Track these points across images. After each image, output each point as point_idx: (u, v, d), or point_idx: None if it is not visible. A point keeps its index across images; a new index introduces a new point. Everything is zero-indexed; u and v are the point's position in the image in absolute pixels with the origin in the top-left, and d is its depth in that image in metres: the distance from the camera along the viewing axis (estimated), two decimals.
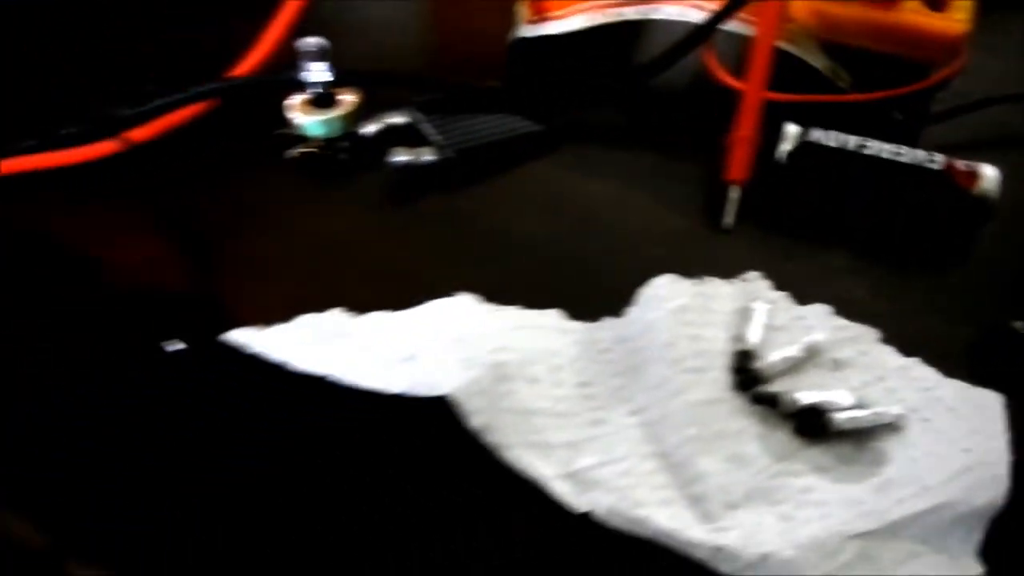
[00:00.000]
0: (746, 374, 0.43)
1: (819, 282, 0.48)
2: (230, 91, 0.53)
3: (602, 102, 0.59)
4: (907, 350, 0.45)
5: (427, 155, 0.52)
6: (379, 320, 0.45)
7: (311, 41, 0.51)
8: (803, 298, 0.47)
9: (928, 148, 0.52)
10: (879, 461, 0.40)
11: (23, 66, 0.60)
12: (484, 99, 0.56)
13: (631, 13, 0.59)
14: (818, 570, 0.35)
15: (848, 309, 0.46)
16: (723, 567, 0.35)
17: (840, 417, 0.41)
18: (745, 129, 0.52)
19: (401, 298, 0.45)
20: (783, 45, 0.57)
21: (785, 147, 0.52)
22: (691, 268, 0.46)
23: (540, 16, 0.61)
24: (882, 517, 0.36)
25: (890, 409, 0.41)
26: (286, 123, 0.52)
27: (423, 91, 0.55)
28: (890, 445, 0.40)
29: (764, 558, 0.35)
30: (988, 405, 0.42)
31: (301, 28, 0.56)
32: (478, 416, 0.39)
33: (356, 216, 0.51)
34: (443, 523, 0.34)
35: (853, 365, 0.44)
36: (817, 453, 0.40)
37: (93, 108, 0.51)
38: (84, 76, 0.58)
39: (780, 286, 0.47)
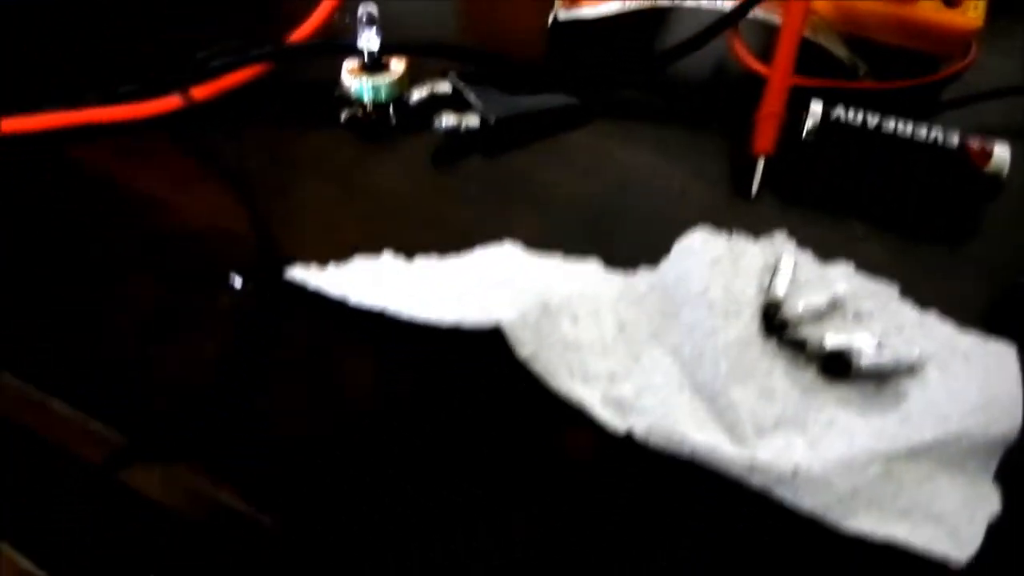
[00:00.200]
0: (775, 320, 0.46)
1: (839, 247, 0.51)
2: (287, 54, 0.56)
3: (632, 83, 0.62)
4: (924, 307, 0.48)
5: (471, 120, 0.55)
6: (429, 264, 0.47)
7: (365, 9, 0.54)
8: (826, 259, 0.50)
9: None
10: (900, 399, 0.42)
11: (89, 24, 0.63)
12: (523, 75, 0.59)
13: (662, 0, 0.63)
14: (845, 483, 0.37)
15: (868, 270, 0.49)
16: (755, 480, 0.38)
17: (863, 359, 0.44)
18: (771, 106, 0.56)
19: (448, 247, 0.48)
20: (807, 35, 0.60)
21: (809, 123, 0.55)
22: (720, 231, 0.49)
23: (575, 1, 0.65)
24: (904, 442, 0.39)
25: (909, 354, 0.44)
26: (340, 86, 0.56)
27: (467, 62, 0.58)
28: (910, 386, 0.43)
29: (795, 471, 0.37)
30: (1002, 353, 0.44)
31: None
32: (526, 347, 0.42)
33: (404, 173, 0.54)
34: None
35: (874, 317, 0.47)
36: (842, 391, 0.43)
37: (157, 66, 0.54)
38: (148, 40, 0.61)
39: (804, 247, 0.50)
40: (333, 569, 0.35)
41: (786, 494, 0.38)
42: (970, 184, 0.54)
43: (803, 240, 0.51)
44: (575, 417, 0.41)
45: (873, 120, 0.55)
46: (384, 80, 0.55)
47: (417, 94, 0.57)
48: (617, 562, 0.36)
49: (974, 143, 0.54)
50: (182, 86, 0.53)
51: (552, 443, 0.40)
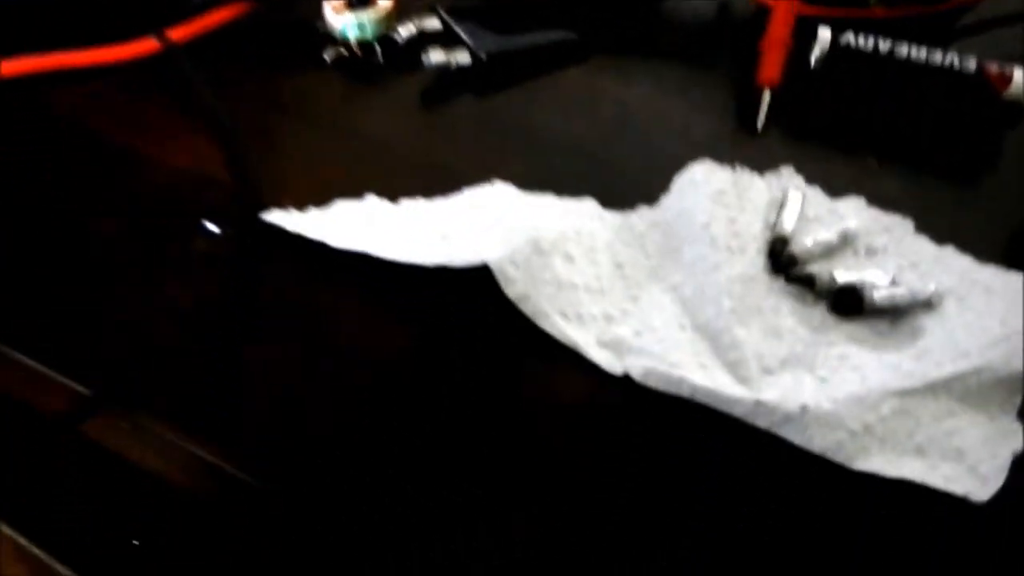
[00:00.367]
0: (782, 256, 0.43)
1: (851, 181, 0.48)
2: None
3: (632, 15, 0.59)
4: (941, 241, 0.45)
5: (461, 57, 0.52)
6: (415, 206, 0.45)
7: None
8: (835, 196, 0.47)
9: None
10: (916, 335, 0.40)
11: None
12: (517, 8, 0.56)
13: None
14: (857, 422, 0.35)
15: (881, 205, 0.47)
16: (761, 421, 0.36)
17: (876, 295, 0.41)
18: (777, 32, 0.53)
19: (437, 189, 0.46)
20: None
21: (817, 51, 0.52)
22: (724, 166, 0.46)
23: None
24: (921, 378, 0.36)
25: (925, 288, 0.41)
26: (323, 24, 0.53)
27: None
28: (926, 321, 0.40)
29: (803, 411, 0.35)
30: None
31: None
32: (516, 285, 0.39)
33: (393, 114, 0.51)
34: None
35: (887, 252, 0.44)
36: (854, 328, 0.40)
37: (133, 7, 0.52)
38: None
39: (812, 183, 0.48)
40: (320, 528, 0.34)
41: (794, 434, 0.35)
42: (988, 111, 0.51)
43: (812, 175, 0.48)
44: (569, 359, 0.39)
45: (885, 46, 0.52)
46: (370, 16, 0.53)
47: (405, 31, 0.54)
48: (619, 515, 0.34)
49: (992, 68, 0.51)
50: (158, 27, 0.51)
51: (545, 387, 0.38)
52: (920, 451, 0.35)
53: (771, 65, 0.52)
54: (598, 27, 0.57)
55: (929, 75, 0.51)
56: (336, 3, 0.53)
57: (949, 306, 0.41)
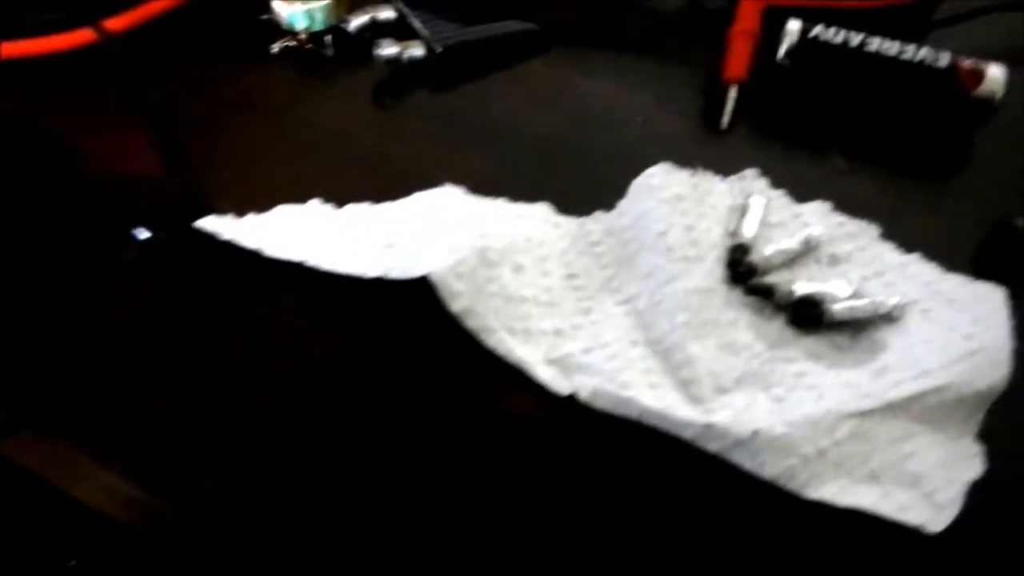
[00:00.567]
0: (741, 266, 0.41)
1: (819, 182, 0.47)
2: None
3: (594, 7, 0.57)
4: (908, 248, 0.43)
5: (416, 49, 0.50)
6: (360, 211, 0.43)
7: None
8: (802, 198, 0.45)
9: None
10: (876, 349, 0.38)
11: None
12: None
13: None
14: (810, 446, 0.33)
15: (848, 208, 0.45)
16: (712, 445, 0.34)
17: (837, 307, 0.40)
18: (745, 24, 0.51)
19: (387, 190, 0.44)
20: None
21: (786, 44, 0.50)
22: (685, 167, 0.44)
23: None
24: (879, 398, 0.35)
25: (888, 299, 0.40)
26: (271, 14, 0.50)
27: None
28: (888, 335, 0.39)
29: (754, 434, 0.33)
30: (990, 297, 0.40)
31: None
32: (460, 299, 0.38)
33: (342, 109, 0.49)
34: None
35: (851, 260, 0.43)
36: (812, 342, 0.39)
37: None
38: None
39: (778, 186, 0.46)
40: (240, 559, 0.32)
41: (745, 459, 0.34)
42: (960, 108, 0.49)
43: (778, 176, 0.46)
44: (515, 377, 0.37)
45: (855, 40, 0.50)
46: (320, 5, 0.50)
47: (357, 21, 0.52)
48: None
49: (965, 64, 0.49)
50: (94, 17, 0.48)
51: (489, 408, 0.37)
52: (874, 477, 0.34)
53: (737, 60, 0.50)
54: (560, 17, 0.55)
55: (900, 70, 0.49)
56: None
57: (912, 319, 0.39)
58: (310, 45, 0.51)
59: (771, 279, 0.41)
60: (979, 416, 0.36)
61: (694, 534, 0.33)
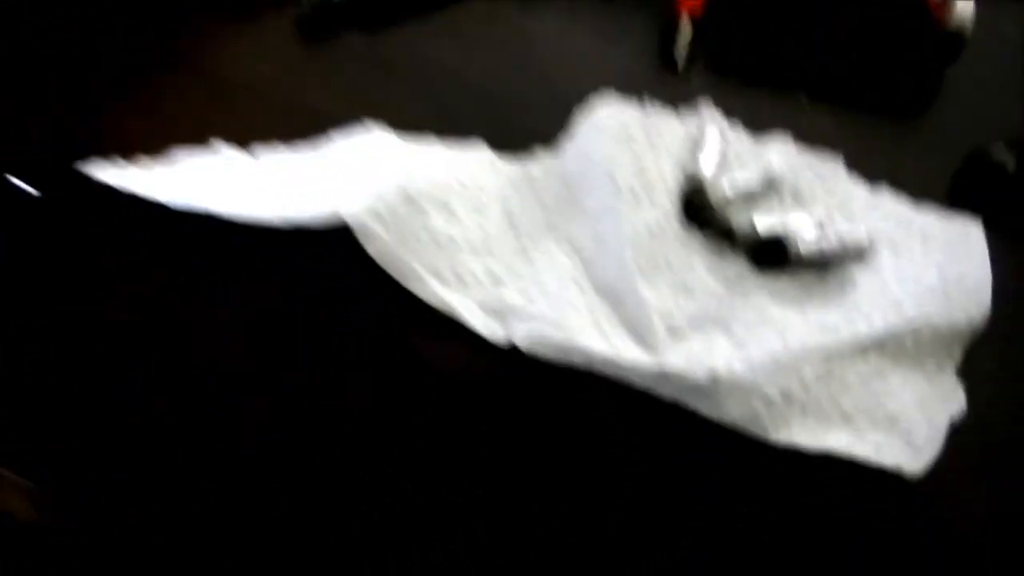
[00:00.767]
0: (696, 204, 0.38)
1: (778, 119, 0.43)
2: None
3: None
4: (875, 183, 0.40)
5: None
6: (275, 156, 0.39)
7: None
8: (761, 135, 0.42)
9: None
10: (845, 288, 0.35)
11: None
12: None
13: None
14: (775, 389, 0.30)
15: (811, 145, 0.42)
16: (666, 391, 0.31)
17: (802, 245, 0.36)
18: None
19: (310, 136, 0.40)
20: None
21: None
22: (637, 104, 0.41)
23: None
24: (849, 336, 0.32)
25: (855, 235, 0.36)
26: None
27: None
28: (857, 273, 0.35)
29: (712, 378, 0.30)
30: (966, 230, 0.37)
31: None
32: (378, 242, 0.33)
33: (263, 52, 0.45)
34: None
35: (815, 196, 0.39)
36: (776, 282, 0.35)
37: None
38: None
39: (735, 122, 0.42)
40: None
41: (703, 405, 0.30)
42: (929, 42, 0.46)
43: (737, 115, 0.42)
44: (446, 327, 0.33)
45: None
46: None
47: None
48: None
49: None
50: None
51: (418, 361, 0.33)
52: (846, 419, 0.30)
53: None
54: None
55: (865, 2, 0.46)
56: None
57: (882, 255, 0.36)
58: None
59: (730, 217, 0.37)
60: (958, 353, 0.33)
61: (649, 489, 0.29)
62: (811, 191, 0.39)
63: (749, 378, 0.30)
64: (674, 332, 0.33)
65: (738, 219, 0.37)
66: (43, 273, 0.35)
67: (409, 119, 0.41)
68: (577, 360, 0.31)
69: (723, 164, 0.40)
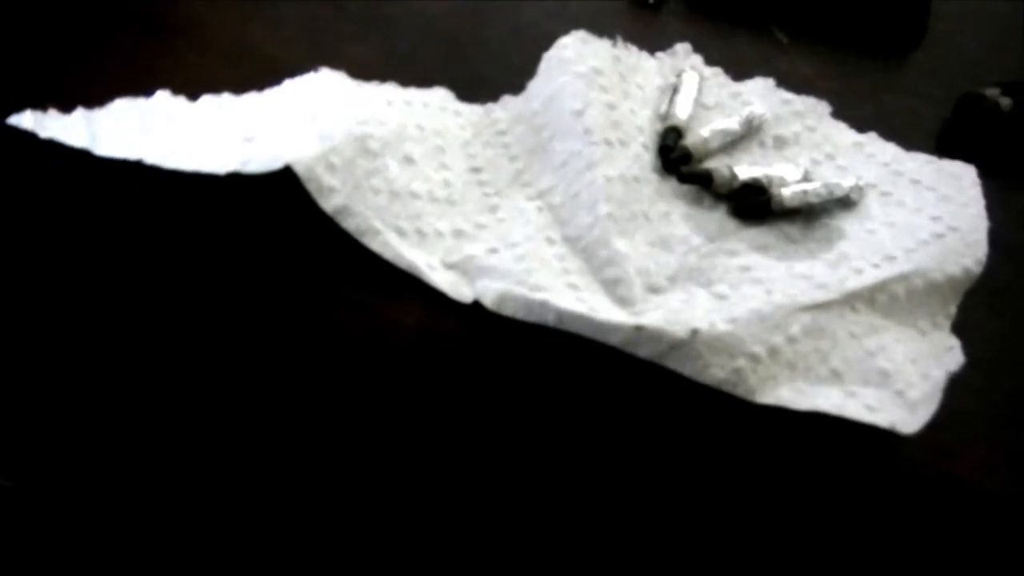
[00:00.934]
0: (674, 151, 0.35)
1: (759, 62, 0.41)
2: None
3: None
4: (862, 128, 0.38)
5: None
6: (218, 102, 0.36)
7: None
8: (740, 78, 0.40)
9: None
10: (832, 237, 0.33)
11: None
12: None
13: None
14: (759, 345, 0.28)
15: (793, 89, 0.39)
16: (643, 351, 0.28)
17: (786, 193, 0.34)
18: None
19: (253, 83, 0.36)
20: None
21: None
22: (607, 39, 0.38)
23: None
24: (837, 289, 0.29)
25: (843, 182, 0.34)
26: None
27: None
28: (844, 221, 0.33)
29: (693, 335, 0.27)
30: (960, 175, 0.35)
31: None
32: (334, 196, 0.31)
33: None
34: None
35: (799, 142, 0.37)
36: (759, 233, 0.33)
37: None
38: None
39: (714, 65, 0.40)
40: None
41: (684, 364, 0.28)
42: None
43: (714, 55, 0.40)
44: (407, 286, 0.30)
45: None
46: None
47: None
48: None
49: None
50: None
51: (377, 322, 0.30)
52: (836, 376, 0.28)
53: None
54: None
55: None
56: None
57: (871, 203, 0.34)
58: None
59: (709, 165, 0.35)
60: (953, 306, 0.31)
61: (627, 455, 0.27)
62: (794, 137, 0.37)
63: (732, 335, 0.28)
64: (652, 288, 0.30)
65: (718, 167, 0.35)
66: None
67: (359, 62, 0.38)
68: (548, 319, 0.29)
69: (701, 109, 0.37)
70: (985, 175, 0.35)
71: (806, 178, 0.35)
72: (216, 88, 0.36)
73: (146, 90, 0.36)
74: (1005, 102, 0.38)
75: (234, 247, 0.31)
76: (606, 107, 0.34)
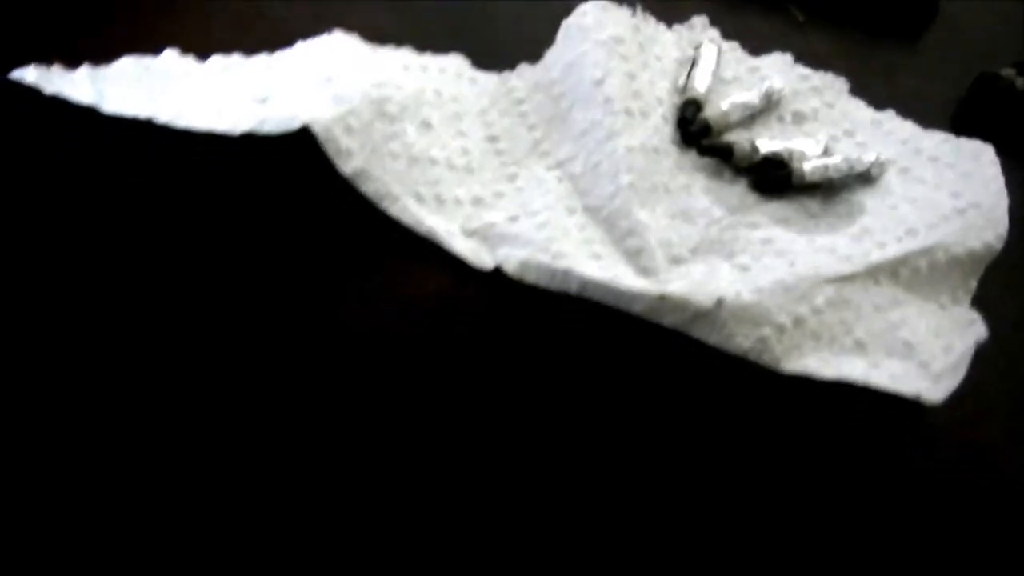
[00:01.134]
0: (694, 124, 0.35)
1: (775, 38, 0.40)
2: None
3: None
4: (878, 106, 0.38)
5: None
6: (228, 62, 0.35)
7: None
8: (757, 53, 0.39)
9: None
10: (853, 212, 0.33)
11: None
12: None
13: None
14: (785, 315, 0.27)
15: (809, 65, 0.39)
16: (668, 319, 0.28)
17: (807, 167, 0.34)
18: None
19: (267, 44, 0.36)
20: None
21: None
22: (626, 7, 0.38)
23: None
24: (861, 262, 0.29)
25: (864, 157, 0.34)
26: None
27: None
28: (865, 196, 0.33)
29: (718, 304, 0.27)
30: (978, 153, 0.35)
31: None
32: (352, 159, 0.30)
33: None
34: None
35: (818, 118, 0.37)
36: (779, 207, 0.33)
37: None
38: None
39: (730, 40, 0.39)
40: None
41: (708, 333, 0.28)
42: None
43: (729, 32, 0.40)
44: (426, 253, 0.30)
45: None
46: None
47: None
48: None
49: None
50: None
51: (396, 290, 0.29)
52: (861, 347, 0.28)
53: None
54: None
55: None
56: None
57: (891, 179, 0.34)
58: None
59: (728, 138, 0.35)
60: (974, 280, 0.31)
61: (648, 425, 0.27)
62: (813, 113, 0.36)
63: (758, 305, 0.27)
64: (674, 259, 0.30)
65: (738, 140, 0.34)
66: None
67: (374, 28, 0.37)
68: (571, 287, 0.29)
69: (719, 83, 0.37)
70: (1001, 153, 0.35)
71: (826, 153, 0.34)
72: (224, 50, 0.35)
73: (152, 50, 0.35)
74: (1021, 82, 0.38)
75: (248, 213, 0.31)
76: (626, 77, 0.34)
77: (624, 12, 0.36)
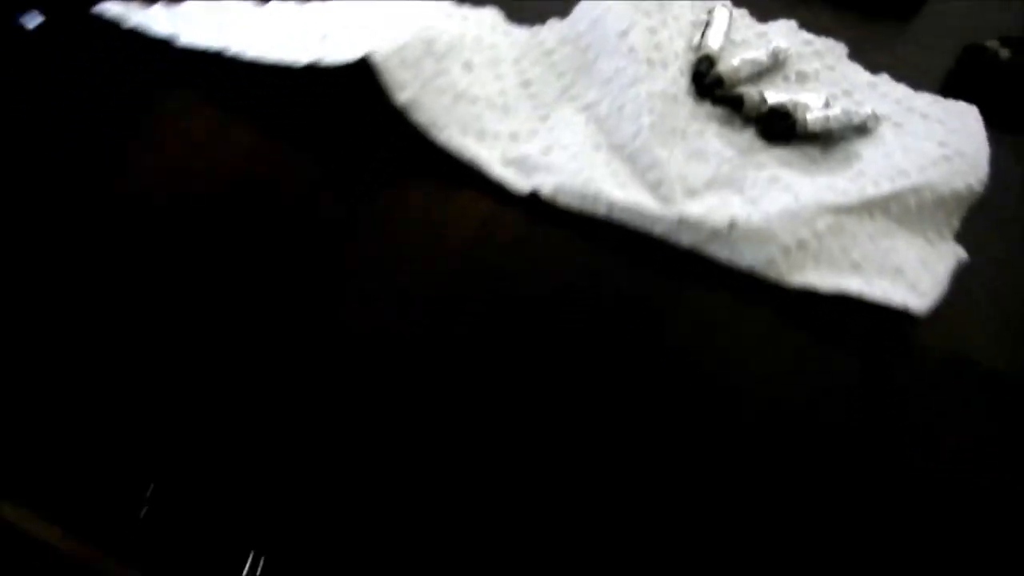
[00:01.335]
0: (707, 77, 0.38)
1: (778, 10, 0.44)
2: None
3: None
4: (875, 71, 0.42)
5: None
6: (289, 6, 0.38)
7: None
8: (764, 20, 0.43)
9: None
10: (850, 158, 0.36)
11: None
12: None
13: None
14: (790, 237, 0.31)
15: (813, 31, 0.42)
16: (686, 238, 0.31)
17: (810, 117, 0.37)
18: None
19: None
20: None
21: None
22: None
23: None
24: (857, 195, 0.33)
25: (860, 110, 0.38)
26: None
27: None
28: (861, 146, 0.37)
29: (731, 225, 0.31)
30: (964, 112, 0.39)
31: None
32: (405, 90, 0.33)
33: None
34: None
35: (819, 78, 0.40)
36: (784, 153, 0.36)
37: None
38: None
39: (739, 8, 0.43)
40: None
41: (721, 251, 0.31)
42: None
43: (736, 3, 0.43)
44: (469, 178, 0.33)
45: None
46: None
47: None
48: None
49: None
50: None
51: (441, 212, 0.33)
52: (856, 267, 0.31)
53: None
54: None
55: None
56: None
57: (885, 132, 0.37)
58: None
59: (739, 91, 0.38)
60: (956, 219, 0.34)
61: (665, 333, 0.30)
62: (815, 73, 0.40)
63: (766, 227, 0.31)
64: (690, 191, 0.33)
65: (747, 91, 0.38)
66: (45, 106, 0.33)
67: None
68: (600, 209, 0.32)
69: (730, 45, 0.40)
70: (985, 117, 0.39)
71: (827, 106, 0.38)
72: None
73: None
74: (1004, 53, 0.41)
75: (309, 137, 0.34)
76: (648, 30, 0.37)
77: None
